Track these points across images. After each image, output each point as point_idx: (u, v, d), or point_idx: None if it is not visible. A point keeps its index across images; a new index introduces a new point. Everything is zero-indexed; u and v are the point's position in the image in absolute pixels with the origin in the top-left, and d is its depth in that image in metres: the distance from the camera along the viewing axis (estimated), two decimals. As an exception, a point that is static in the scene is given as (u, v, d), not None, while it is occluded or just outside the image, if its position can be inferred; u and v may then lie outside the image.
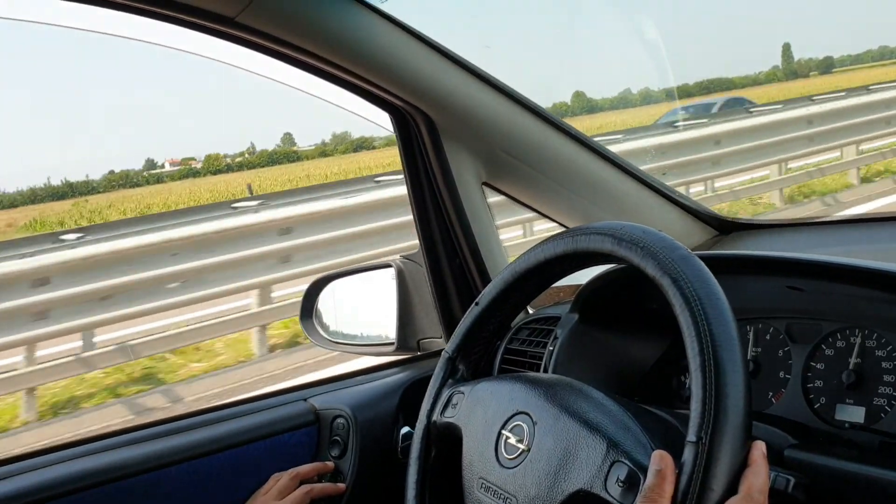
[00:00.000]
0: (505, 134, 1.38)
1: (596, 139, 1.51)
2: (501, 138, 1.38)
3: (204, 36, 1.12)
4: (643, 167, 1.57)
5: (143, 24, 1.12)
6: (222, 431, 1.27)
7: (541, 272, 1.03)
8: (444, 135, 1.34)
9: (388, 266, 1.57)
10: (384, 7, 1.17)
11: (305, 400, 1.37)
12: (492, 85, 1.34)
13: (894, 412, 0.97)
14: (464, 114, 1.33)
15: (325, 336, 1.67)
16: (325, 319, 1.69)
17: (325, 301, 1.68)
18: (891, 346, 0.98)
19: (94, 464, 1.16)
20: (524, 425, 0.91)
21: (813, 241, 1.53)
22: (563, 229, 1.52)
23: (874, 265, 0.94)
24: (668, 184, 1.60)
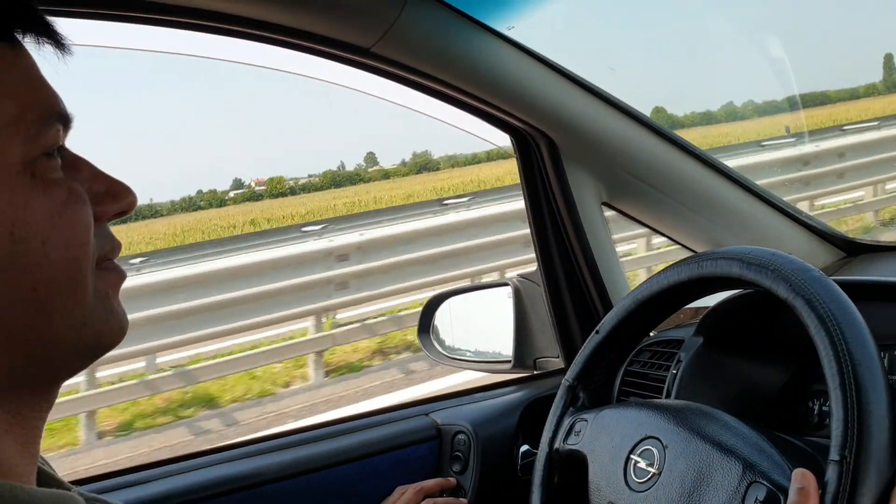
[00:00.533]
0: (626, 154, 1.38)
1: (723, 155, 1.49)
2: (623, 158, 1.38)
3: (337, 65, 1.18)
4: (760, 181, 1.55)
5: (279, 54, 1.19)
6: (349, 443, 1.32)
7: (665, 299, 1.03)
8: (565, 155, 1.36)
9: (506, 284, 1.60)
10: (510, 34, 1.19)
11: (427, 415, 1.41)
12: (614, 105, 1.35)
13: None
14: (585, 134, 1.34)
15: (442, 351, 1.70)
16: (442, 335, 1.73)
17: (441, 317, 1.71)
18: None
19: (231, 471, 1.23)
20: (654, 449, 0.92)
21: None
22: (678, 247, 1.54)
23: None
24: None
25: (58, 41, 0.58)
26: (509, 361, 1.56)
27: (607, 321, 1.09)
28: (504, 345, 1.59)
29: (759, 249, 0.89)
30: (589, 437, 1.02)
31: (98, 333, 0.58)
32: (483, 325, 1.70)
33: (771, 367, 1.25)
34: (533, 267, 1.51)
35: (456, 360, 1.70)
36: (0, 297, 0.51)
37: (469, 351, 1.71)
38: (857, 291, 1.07)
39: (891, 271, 1.46)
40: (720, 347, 1.26)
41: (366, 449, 1.32)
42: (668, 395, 1.26)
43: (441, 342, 1.72)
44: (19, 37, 0.55)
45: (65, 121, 0.57)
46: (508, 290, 1.57)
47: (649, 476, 0.90)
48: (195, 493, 1.18)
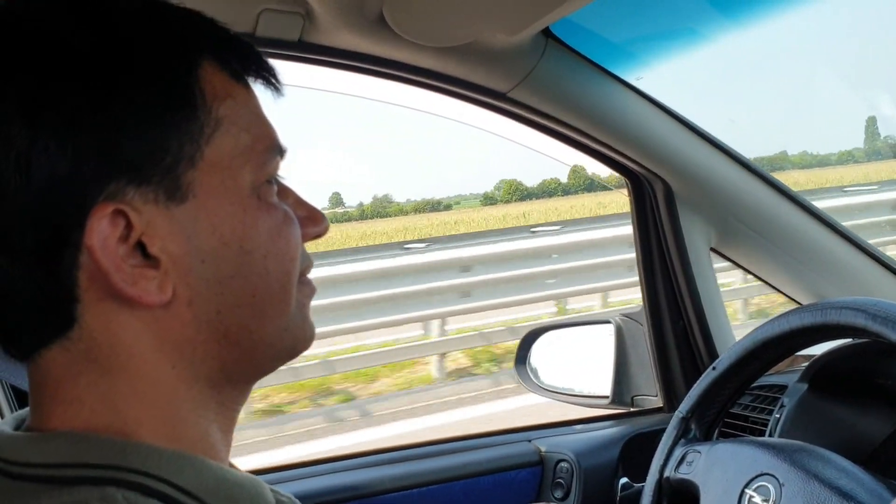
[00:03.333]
0: (737, 201, 1.43)
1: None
2: (734, 206, 1.43)
3: (474, 108, 1.26)
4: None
5: (420, 95, 1.28)
6: (457, 462, 1.38)
7: (783, 343, 1.07)
8: (679, 200, 1.41)
9: (608, 322, 1.65)
10: (637, 84, 1.27)
11: (530, 441, 1.46)
12: (728, 154, 1.40)
13: None
14: (700, 181, 1.39)
15: (537, 383, 1.76)
16: (539, 367, 1.78)
17: (539, 350, 1.77)
18: None
19: (349, 479, 1.31)
20: (770, 486, 0.96)
21: None
22: (785, 297, 1.57)
23: None
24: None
25: (277, 87, 0.67)
26: (607, 397, 1.61)
27: (725, 359, 1.13)
28: (601, 380, 1.64)
29: (884, 302, 0.92)
30: (702, 469, 1.06)
31: (295, 339, 0.65)
32: (581, 359, 1.75)
33: (876, 416, 1.27)
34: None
35: (552, 392, 1.75)
36: (226, 301, 0.59)
37: (565, 384, 1.76)
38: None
39: None
40: (825, 394, 1.28)
41: (472, 469, 1.38)
42: (770, 437, 1.29)
43: (537, 374, 1.78)
44: (250, 79, 0.65)
45: (282, 153, 0.66)
46: (610, 327, 1.62)
47: None
48: (315, 498, 1.26)
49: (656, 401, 1.56)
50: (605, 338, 1.65)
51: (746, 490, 0.98)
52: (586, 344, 1.73)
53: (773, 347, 1.07)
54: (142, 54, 0.57)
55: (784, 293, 1.53)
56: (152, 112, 0.56)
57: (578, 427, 1.52)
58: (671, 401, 1.52)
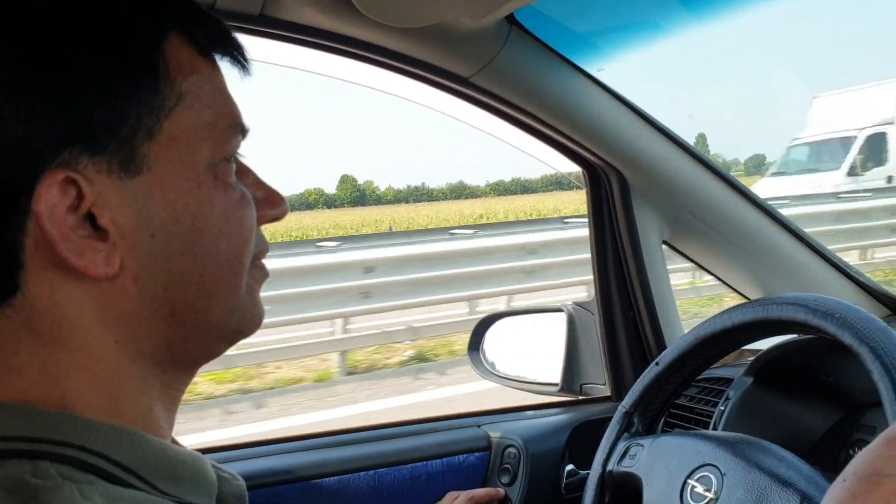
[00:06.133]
0: (691, 195, 1.45)
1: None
2: (688, 200, 1.45)
3: (437, 91, 1.26)
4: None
5: (383, 76, 1.27)
6: (405, 446, 1.39)
7: (726, 338, 1.09)
8: (633, 192, 1.43)
9: (560, 311, 1.66)
10: (598, 75, 1.27)
11: (479, 426, 1.47)
12: (685, 149, 1.41)
13: None
14: (655, 174, 1.41)
15: (489, 369, 1.77)
16: (490, 354, 1.79)
17: (492, 337, 1.78)
18: None
19: (295, 460, 1.30)
20: (712, 476, 0.98)
21: None
22: (732, 291, 1.60)
23: None
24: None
25: (244, 65, 0.66)
26: (556, 385, 1.62)
27: (668, 354, 1.15)
28: (551, 368, 1.65)
29: (823, 297, 0.94)
30: (645, 461, 1.08)
31: (241, 321, 0.64)
32: (533, 346, 1.77)
33: (816, 412, 1.30)
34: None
35: (503, 378, 1.76)
36: (174, 278, 0.58)
37: (516, 370, 1.78)
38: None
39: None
40: (769, 388, 1.31)
41: (420, 453, 1.38)
42: (714, 429, 1.32)
43: (489, 360, 1.79)
44: (217, 56, 0.64)
45: (244, 132, 0.65)
46: (562, 316, 1.64)
47: (706, 501, 0.96)
48: (261, 479, 1.26)
49: (604, 389, 1.58)
50: (557, 326, 1.66)
51: (689, 480, 0.99)
52: (538, 332, 1.74)
53: (717, 343, 1.09)
54: (109, 22, 0.55)
55: (734, 288, 1.56)
56: (114, 81, 0.55)
57: (528, 413, 1.54)
58: (619, 390, 1.54)
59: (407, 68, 1.22)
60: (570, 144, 1.36)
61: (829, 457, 1.29)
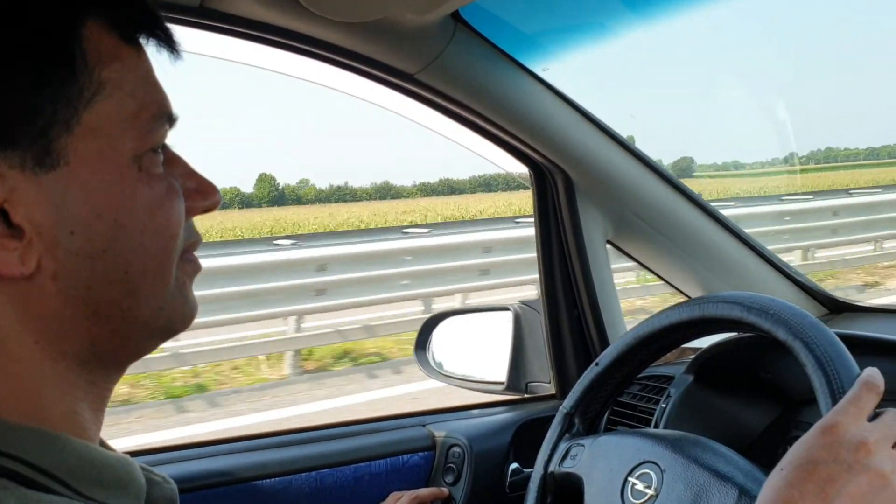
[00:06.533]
0: (635, 196, 1.46)
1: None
2: (631, 200, 1.46)
3: (381, 88, 1.25)
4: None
5: (326, 71, 1.26)
6: (348, 446, 1.37)
7: (664, 337, 1.09)
8: (578, 192, 1.43)
9: (506, 309, 1.66)
10: (544, 75, 1.27)
11: (424, 426, 1.46)
12: (628, 150, 1.43)
13: None
14: (600, 174, 1.42)
15: (436, 368, 1.76)
16: (437, 353, 1.78)
17: (439, 336, 1.77)
18: None
19: (236, 462, 1.28)
20: (652, 473, 0.98)
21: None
22: (674, 291, 1.62)
23: None
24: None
25: (173, 48, 0.64)
26: (502, 383, 1.62)
27: (608, 354, 1.15)
28: (497, 367, 1.65)
29: (758, 295, 0.96)
30: (586, 461, 1.08)
31: (171, 318, 0.62)
32: (479, 345, 1.77)
33: (755, 409, 1.33)
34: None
35: (449, 377, 1.75)
36: (96, 276, 0.56)
37: (462, 369, 1.77)
38: (849, 343, 1.15)
39: (871, 330, 1.55)
40: (709, 386, 1.33)
41: (363, 453, 1.37)
42: (655, 427, 1.33)
43: (436, 359, 1.78)
44: (143, 41, 0.61)
45: (171, 121, 0.63)
46: (509, 314, 1.64)
47: (646, 497, 0.96)
48: (198, 481, 1.23)
49: (550, 388, 1.58)
50: (503, 324, 1.67)
51: (629, 478, 1.00)
52: (485, 330, 1.74)
53: (655, 342, 1.09)
54: (18, 9, 0.53)
55: (676, 287, 1.58)
56: (25, 72, 0.52)
57: (474, 412, 1.54)
58: (564, 388, 1.55)
59: (351, 64, 1.20)
60: (516, 144, 1.36)
61: (767, 453, 1.32)
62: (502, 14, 1.18)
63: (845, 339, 1.07)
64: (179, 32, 0.64)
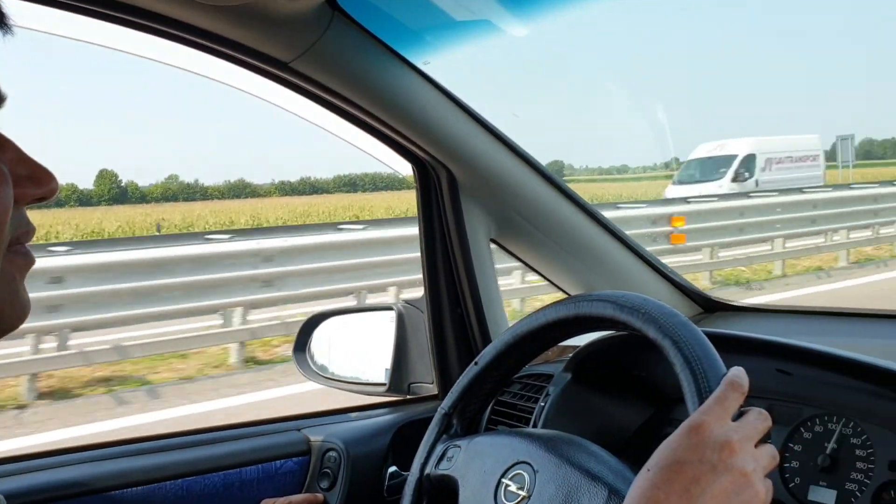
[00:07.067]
0: (519, 195, 1.46)
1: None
2: (515, 199, 1.45)
3: (256, 77, 1.19)
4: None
5: (200, 58, 1.19)
6: (217, 452, 1.30)
7: (542, 336, 1.09)
8: (462, 189, 1.42)
9: (389, 309, 1.63)
10: (425, 68, 1.24)
11: (299, 430, 1.41)
12: (512, 149, 1.42)
13: (864, 497, 1.03)
14: (484, 172, 1.40)
15: (316, 370, 1.71)
16: (318, 354, 1.73)
17: (319, 336, 1.72)
18: (865, 436, 1.06)
19: (93, 471, 1.19)
20: (525, 474, 0.97)
21: (794, 329, 1.61)
22: (555, 288, 1.63)
23: (859, 357, 1.02)
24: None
25: (3, 21, 0.57)
26: (384, 385, 1.59)
27: (486, 353, 1.13)
28: (380, 367, 1.62)
29: (631, 294, 0.96)
30: (461, 463, 1.06)
31: None
32: (362, 346, 1.73)
33: (630, 407, 1.34)
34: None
35: (329, 379, 1.71)
36: None
37: (344, 371, 1.73)
38: (717, 342, 1.18)
39: (744, 329, 1.59)
40: (587, 384, 1.34)
41: (234, 459, 1.31)
42: (534, 426, 1.32)
43: (316, 361, 1.73)
44: None
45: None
46: (392, 314, 1.61)
47: (519, 499, 0.95)
48: (59, 491, 1.14)
49: (432, 388, 1.56)
50: (386, 324, 1.63)
51: (503, 480, 0.98)
52: (368, 330, 1.70)
53: (533, 340, 1.08)
54: None
55: (556, 285, 1.59)
56: None
57: (352, 415, 1.49)
58: (446, 388, 1.52)
59: (222, 50, 1.14)
60: (398, 139, 1.33)
61: (642, 451, 1.33)
62: (381, 4, 1.15)
63: (715, 337, 1.09)
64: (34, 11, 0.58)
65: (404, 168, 1.45)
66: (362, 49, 1.17)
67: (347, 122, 1.32)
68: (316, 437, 1.40)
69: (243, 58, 1.15)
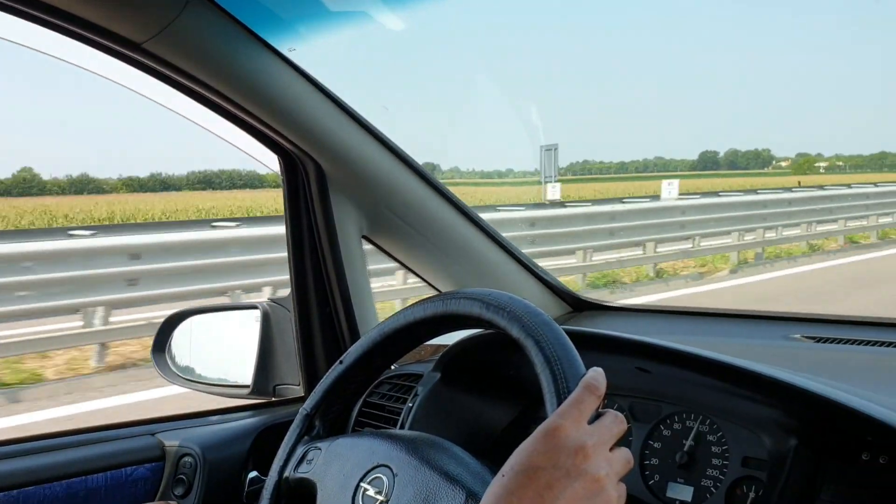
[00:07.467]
0: (391, 191, 1.43)
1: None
2: (387, 195, 1.42)
3: (109, 58, 1.11)
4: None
5: (52, 38, 1.10)
6: (59, 460, 1.21)
7: (409, 333, 1.06)
8: (331, 184, 1.37)
9: (255, 307, 1.57)
10: (291, 56, 1.20)
11: (153, 435, 1.33)
12: (384, 144, 1.39)
13: (719, 493, 1.06)
14: (354, 166, 1.37)
15: (176, 372, 1.62)
16: (179, 355, 1.65)
17: (180, 335, 1.64)
18: (721, 433, 1.09)
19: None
20: (384, 477, 0.94)
21: (657, 328, 1.65)
22: (428, 286, 1.61)
23: (715, 355, 1.04)
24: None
25: None
26: (248, 387, 1.53)
27: (352, 352, 1.10)
28: (245, 369, 1.55)
29: (498, 292, 0.95)
30: (321, 466, 1.02)
31: None
32: (225, 346, 1.65)
33: (499, 406, 1.34)
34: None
35: (190, 381, 1.62)
36: None
37: (207, 373, 1.65)
38: (580, 340, 1.18)
39: (610, 328, 1.62)
40: (456, 384, 1.32)
41: (79, 466, 1.22)
42: (402, 427, 1.30)
43: (177, 362, 1.64)
44: None
45: None
46: (257, 313, 1.54)
47: (377, 503, 0.92)
48: None
49: (299, 390, 1.51)
50: (251, 324, 1.57)
51: (362, 483, 0.95)
52: (232, 330, 1.63)
53: (400, 338, 1.06)
54: None
55: (428, 282, 1.57)
56: None
57: (212, 419, 1.42)
58: (313, 390, 1.47)
59: (70, 28, 1.05)
60: (263, 129, 1.27)
61: (509, 451, 1.32)
62: (243, -15, 1.09)
63: (576, 336, 1.09)
64: None
65: (271, 161, 1.39)
66: (223, 32, 1.11)
67: (209, 111, 1.25)
68: (171, 441, 1.33)
69: (93, 37, 1.06)
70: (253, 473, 1.34)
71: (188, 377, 1.62)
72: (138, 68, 1.14)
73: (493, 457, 1.32)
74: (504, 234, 1.63)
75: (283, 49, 1.18)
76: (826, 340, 1.41)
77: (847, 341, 1.38)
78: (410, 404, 1.31)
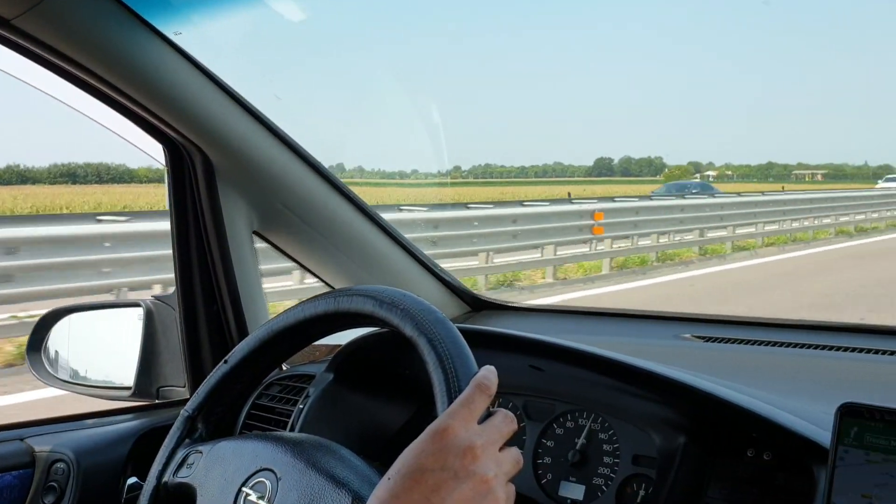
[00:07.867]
0: (284, 186, 1.38)
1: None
2: (280, 189, 1.37)
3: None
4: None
5: None
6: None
7: (299, 332, 1.02)
8: (220, 176, 1.31)
9: (137, 305, 1.49)
10: (177, 40, 1.14)
11: (23, 440, 1.24)
12: (277, 136, 1.34)
13: (610, 492, 1.07)
14: (244, 158, 1.31)
15: (52, 372, 1.53)
16: (56, 355, 1.55)
17: (57, 335, 1.54)
18: (612, 431, 1.09)
19: None
20: (267, 481, 0.90)
21: (554, 327, 1.67)
22: (324, 285, 1.56)
23: (606, 353, 1.05)
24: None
25: None
26: (129, 389, 1.45)
27: (238, 350, 1.05)
28: (127, 370, 1.47)
29: (392, 289, 0.92)
30: (201, 470, 0.97)
31: None
32: (106, 346, 1.57)
33: (394, 406, 1.31)
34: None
35: (67, 383, 1.53)
36: None
37: (86, 374, 1.56)
38: (479, 340, 1.17)
39: (507, 327, 1.62)
40: (350, 384, 1.29)
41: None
42: (292, 430, 1.25)
43: (54, 363, 1.55)
44: None
45: None
46: (140, 311, 1.47)
47: None
48: None
49: (184, 392, 1.44)
50: (134, 322, 1.49)
51: (244, 488, 0.91)
52: (113, 329, 1.55)
53: (289, 337, 1.02)
54: None
55: (323, 280, 1.53)
56: None
57: (88, 422, 1.34)
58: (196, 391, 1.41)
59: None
60: (145, 115, 1.21)
61: (401, 451, 1.30)
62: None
63: (470, 334, 1.08)
64: None
65: (155, 151, 1.32)
66: (101, 10, 1.04)
67: (89, 95, 1.18)
68: (42, 447, 1.24)
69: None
70: (132, 479, 1.27)
71: (66, 379, 1.53)
72: (7, 46, 1.06)
73: (387, 458, 1.29)
74: (406, 235, 1.61)
75: (169, 32, 1.12)
76: (714, 340, 1.44)
77: (734, 341, 1.42)
78: (301, 406, 1.27)
